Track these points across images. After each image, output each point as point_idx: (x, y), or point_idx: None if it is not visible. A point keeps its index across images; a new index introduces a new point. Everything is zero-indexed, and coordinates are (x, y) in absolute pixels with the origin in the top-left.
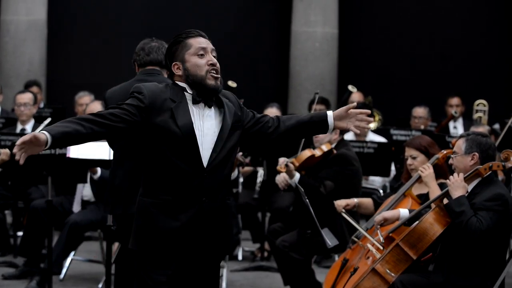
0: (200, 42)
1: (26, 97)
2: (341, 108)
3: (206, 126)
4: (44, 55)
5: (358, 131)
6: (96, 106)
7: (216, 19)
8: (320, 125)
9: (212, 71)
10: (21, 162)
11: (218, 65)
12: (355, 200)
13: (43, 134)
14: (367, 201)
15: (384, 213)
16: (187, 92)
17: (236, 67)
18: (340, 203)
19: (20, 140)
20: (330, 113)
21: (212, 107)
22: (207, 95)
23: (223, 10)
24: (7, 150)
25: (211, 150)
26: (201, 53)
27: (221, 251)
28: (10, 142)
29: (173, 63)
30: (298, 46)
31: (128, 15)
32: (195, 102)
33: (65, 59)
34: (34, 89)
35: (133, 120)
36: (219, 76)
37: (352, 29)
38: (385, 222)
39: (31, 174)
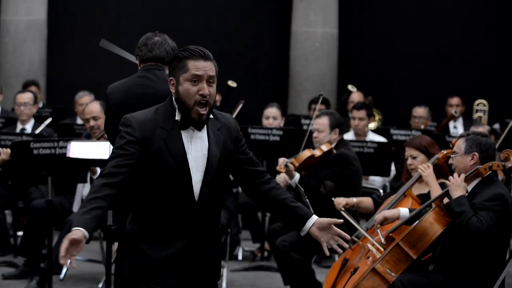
0: (198, 67)
1: (26, 96)
2: (327, 219)
3: (194, 149)
4: (44, 55)
5: (327, 252)
6: (95, 107)
7: (216, 19)
8: (296, 222)
9: (201, 103)
10: (74, 266)
11: (210, 95)
12: (354, 200)
13: (79, 231)
14: (367, 200)
15: (384, 212)
16: (175, 117)
17: (236, 67)
18: (340, 201)
19: (62, 249)
20: (312, 219)
21: (204, 129)
22: (192, 123)
23: (223, 10)
24: (7, 150)
25: (201, 182)
26: (194, 80)
27: (209, 282)
28: (10, 141)
29: (170, 78)
30: (298, 46)
31: (128, 15)
32: (182, 128)
33: (65, 59)
34: (33, 88)
35: (136, 159)
36: (206, 108)
37: (352, 29)
38: (385, 221)
39: (31, 174)
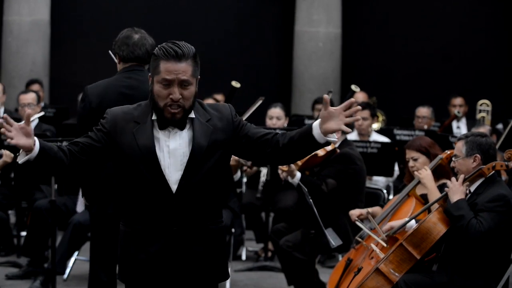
0: (169, 70)
1: (30, 97)
2: (324, 112)
3: (172, 145)
4: (47, 55)
5: (349, 130)
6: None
7: (219, 19)
8: (307, 139)
9: (172, 107)
10: (11, 143)
11: (184, 98)
12: (368, 210)
13: (31, 130)
14: (377, 209)
15: (391, 222)
16: (152, 116)
17: (239, 67)
18: (354, 213)
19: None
20: (315, 125)
21: (187, 128)
22: (169, 122)
23: (226, 10)
24: (10, 153)
25: (180, 178)
26: (165, 84)
27: (207, 281)
28: None
29: (149, 75)
30: (301, 46)
31: (131, 14)
32: (160, 128)
33: (68, 59)
34: (36, 87)
35: (100, 146)
36: (178, 110)
37: (355, 29)
38: (391, 230)
39: (35, 174)
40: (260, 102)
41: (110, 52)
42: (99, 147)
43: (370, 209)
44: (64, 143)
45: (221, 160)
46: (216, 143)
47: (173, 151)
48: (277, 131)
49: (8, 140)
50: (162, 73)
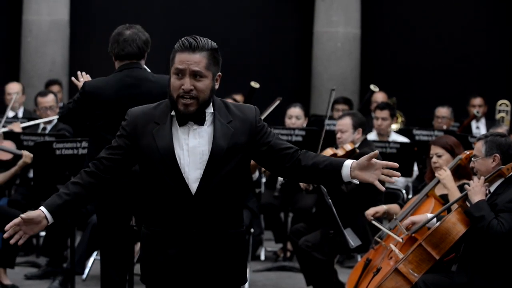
0: (182, 60)
1: (50, 99)
2: (362, 157)
3: (192, 143)
4: (66, 55)
5: (382, 188)
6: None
7: (238, 19)
8: (333, 174)
9: (184, 97)
10: (20, 243)
11: (197, 90)
12: (384, 207)
13: (39, 211)
14: (395, 207)
15: (412, 217)
16: (172, 112)
17: (258, 67)
18: (369, 212)
19: (9, 225)
20: (347, 163)
21: (206, 124)
22: (188, 117)
23: (245, 11)
24: (29, 153)
25: (200, 178)
26: (178, 73)
27: (225, 286)
28: (33, 142)
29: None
30: (320, 46)
31: (150, 15)
32: (180, 124)
33: (87, 59)
34: (55, 88)
35: (123, 154)
36: (191, 102)
37: (374, 29)
38: (413, 225)
39: (54, 175)
40: (277, 102)
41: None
42: (121, 158)
43: (386, 206)
44: (84, 167)
45: (241, 163)
46: (236, 146)
47: (192, 149)
48: (297, 132)
49: (23, 240)
50: (176, 64)
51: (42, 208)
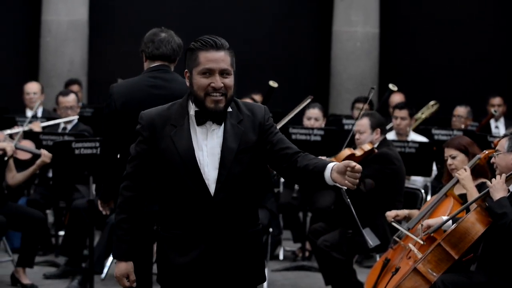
0: (209, 59)
1: (71, 99)
2: (343, 161)
3: (210, 144)
4: (85, 55)
5: (350, 186)
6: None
7: (257, 19)
8: (318, 179)
9: (214, 94)
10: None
11: (226, 87)
12: (405, 212)
13: (122, 265)
14: (416, 213)
15: (428, 221)
16: (190, 111)
17: (277, 67)
18: (390, 214)
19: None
20: (330, 166)
21: (223, 123)
22: (209, 115)
23: (264, 10)
24: (48, 153)
25: (216, 180)
26: (205, 73)
27: (245, 285)
28: (52, 142)
29: (185, 70)
30: (339, 45)
31: (168, 14)
32: (198, 123)
33: (106, 59)
34: (75, 87)
35: (145, 159)
36: (221, 98)
37: (393, 29)
38: (429, 229)
39: (73, 174)
40: (308, 101)
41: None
42: (147, 165)
43: (407, 211)
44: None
45: (254, 162)
46: (247, 145)
47: (211, 149)
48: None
49: None
50: (203, 63)
51: (121, 261)
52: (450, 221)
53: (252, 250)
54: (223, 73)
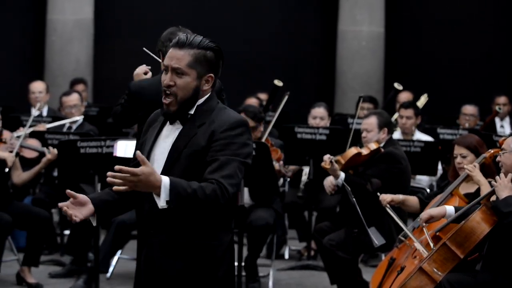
0: (167, 56)
1: (74, 98)
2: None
3: (166, 144)
4: (90, 54)
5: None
6: None
7: (262, 18)
8: None
9: (164, 96)
10: (77, 220)
11: (177, 87)
12: (400, 197)
13: (85, 196)
14: (413, 199)
15: (430, 211)
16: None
17: (282, 66)
18: (385, 197)
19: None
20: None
21: (184, 124)
22: (174, 117)
23: (269, 9)
24: (54, 150)
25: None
26: (164, 70)
27: None
28: (57, 141)
29: None
30: (344, 45)
31: (174, 14)
32: (171, 122)
33: (111, 58)
34: (80, 87)
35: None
36: (170, 100)
37: (398, 28)
38: (431, 219)
39: (78, 173)
40: (286, 97)
41: (144, 49)
42: None
43: (402, 196)
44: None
45: (199, 168)
46: (193, 149)
47: (164, 149)
48: (321, 131)
49: (74, 219)
50: (165, 59)
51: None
52: (453, 208)
53: (196, 263)
54: (176, 72)
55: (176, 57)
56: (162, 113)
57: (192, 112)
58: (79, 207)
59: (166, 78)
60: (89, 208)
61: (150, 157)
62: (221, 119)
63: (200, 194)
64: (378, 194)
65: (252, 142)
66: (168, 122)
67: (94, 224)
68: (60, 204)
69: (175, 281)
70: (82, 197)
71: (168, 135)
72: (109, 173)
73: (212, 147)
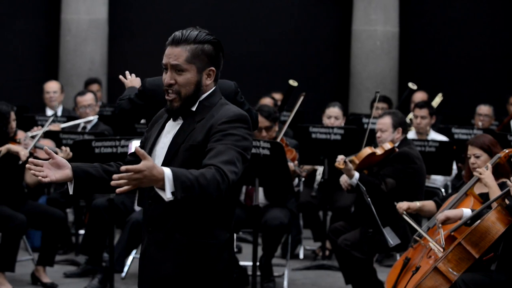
0: (165, 55)
1: (88, 98)
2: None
3: (167, 138)
4: (105, 53)
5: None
6: None
7: (276, 18)
8: None
9: (167, 93)
10: (45, 181)
11: (178, 84)
12: (417, 204)
13: (65, 160)
14: (430, 204)
15: (446, 212)
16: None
17: (296, 66)
18: (401, 205)
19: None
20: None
21: (184, 120)
22: (177, 113)
23: (284, 9)
24: (67, 149)
25: None
26: (164, 68)
27: None
28: (72, 140)
29: None
30: (358, 45)
31: (187, 14)
32: (174, 119)
33: (126, 58)
34: (95, 87)
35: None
36: (174, 97)
37: (412, 28)
38: (447, 221)
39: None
40: (301, 98)
41: None
42: None
43: (419, 203)
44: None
45: (197, 163)
46: (191, 143)
47: (165, 143)
48: (335, 131)
49: (42, 179)
50: (164, 57)
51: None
52: (469, 210)
53: (191, 261)
54: (175, 69)
55: (174, 54)
56: (166, 110)
57: (194, 108)
58: (55, 169)
59: (166, 77)
60: (65, 173)
61: (152, 152)
62: (221, 114)
63: (201, 180)
64: (395, 203)
65: (252, 139)
66: (171, 118)
67: (71, 192)
68: (30, 160)
69: (171, 280)
70: (60, 159)
71: (170, 131)
72: (114, 176)
73: (210, 140)
